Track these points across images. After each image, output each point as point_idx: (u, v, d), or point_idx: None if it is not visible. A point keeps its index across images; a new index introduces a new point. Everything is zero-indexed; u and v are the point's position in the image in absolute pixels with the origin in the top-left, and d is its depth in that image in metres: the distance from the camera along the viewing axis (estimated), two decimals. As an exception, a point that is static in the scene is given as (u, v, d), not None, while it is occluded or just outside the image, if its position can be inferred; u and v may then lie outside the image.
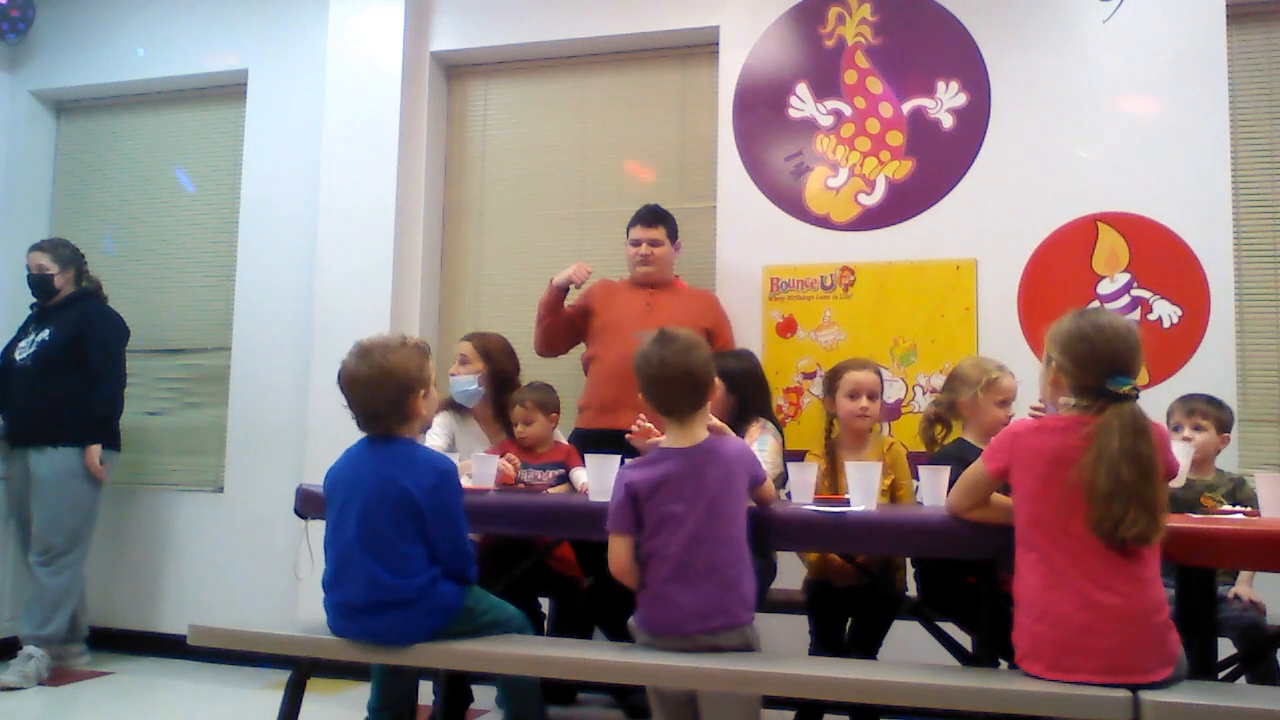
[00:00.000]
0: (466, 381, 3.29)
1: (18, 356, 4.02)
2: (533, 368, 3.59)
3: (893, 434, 3.53)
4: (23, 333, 4.11)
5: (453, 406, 3.35)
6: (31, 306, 4.17)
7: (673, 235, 3.65)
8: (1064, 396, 2.09)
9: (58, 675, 3.84)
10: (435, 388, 2.48)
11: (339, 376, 2.36)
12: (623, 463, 2.55)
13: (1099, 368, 2.02)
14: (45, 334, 4.00)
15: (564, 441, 3.30)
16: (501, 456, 2.98)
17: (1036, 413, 2.52)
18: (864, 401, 2.85)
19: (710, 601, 2.14)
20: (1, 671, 3.73)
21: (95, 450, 3.92)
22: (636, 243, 3.60)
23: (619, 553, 2.23)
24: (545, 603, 3.37)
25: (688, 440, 2.24)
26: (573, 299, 3.67)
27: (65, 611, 3.86)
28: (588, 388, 3.57)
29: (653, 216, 3.63)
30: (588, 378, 3.60)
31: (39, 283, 4.07)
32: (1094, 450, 1.94)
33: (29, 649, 3.78)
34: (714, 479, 2.18)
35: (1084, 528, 1.93)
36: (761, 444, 2.94)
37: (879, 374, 2.93)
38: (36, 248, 4.12)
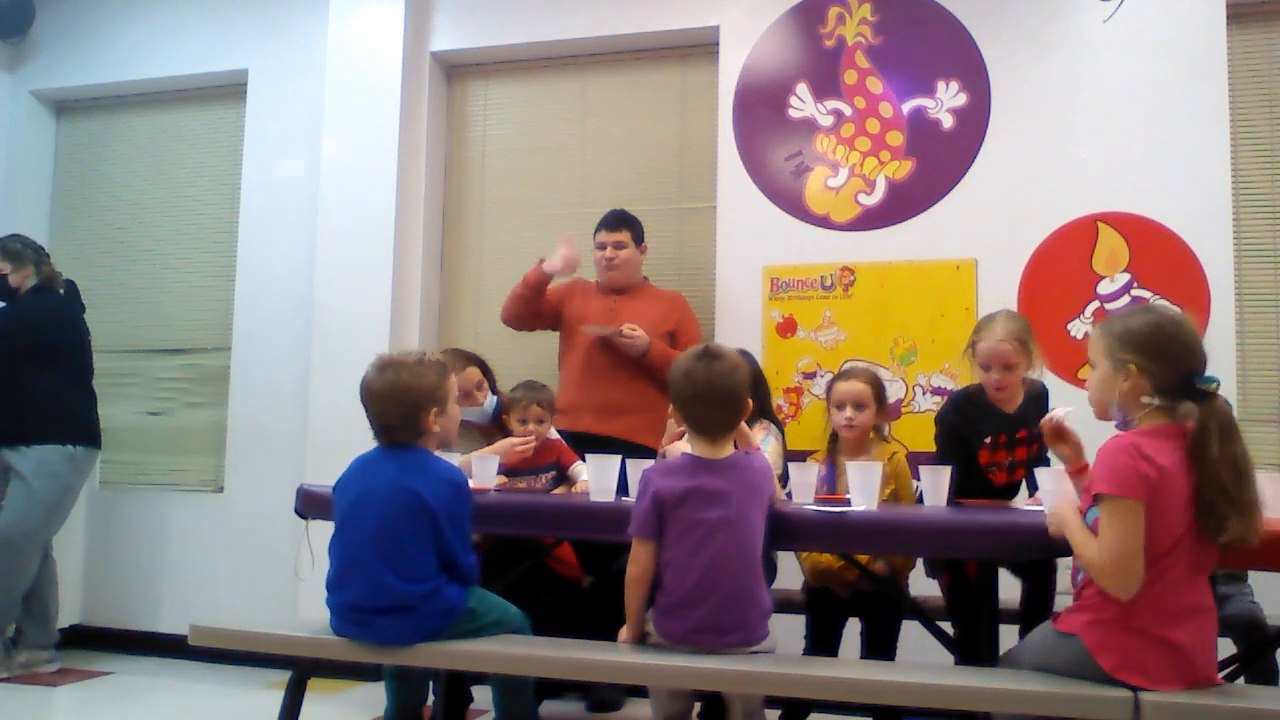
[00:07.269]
0: (481, 414, 3.30)
1: None
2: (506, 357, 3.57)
3: (892, 435, 3.52)
4: None
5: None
6: None
7: (638, 239, 3.68)
8: (1145, 397, 1.94)
9: (58, 675, 3.82)
10: (454, 405, 2.46)
11: (360, 387, 2.38)
12: (623, 463, 2.55)
13: (1189, 364, 1.91)
14: None
15: (554, 436, 3.29)
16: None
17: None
18: (849, 412, 2.83)
19: (734, 616, 2.15)
20: None
21: None
22: (601, 246, 3.64)
23: (643, 558, 2.21)
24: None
25: (717, 452, 2.24)
26: (560, 282, 3.69)
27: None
28: (557, 389, 3.56)
29: (616, 220, 3.67)
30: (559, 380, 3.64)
31: None
32: (1196, 459, 1.86)
33: None
34: (741, 494, 2.19)
35: (1190, 538, 1.88)
36: (764, 445, 2.93)
37: (872, 383, 2.87)
38: None
